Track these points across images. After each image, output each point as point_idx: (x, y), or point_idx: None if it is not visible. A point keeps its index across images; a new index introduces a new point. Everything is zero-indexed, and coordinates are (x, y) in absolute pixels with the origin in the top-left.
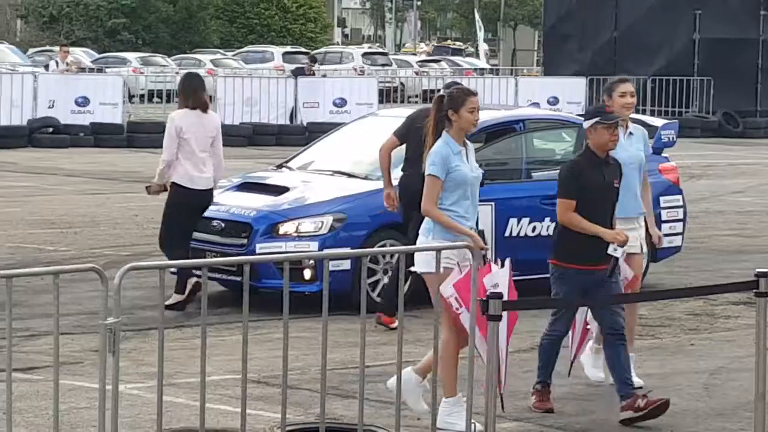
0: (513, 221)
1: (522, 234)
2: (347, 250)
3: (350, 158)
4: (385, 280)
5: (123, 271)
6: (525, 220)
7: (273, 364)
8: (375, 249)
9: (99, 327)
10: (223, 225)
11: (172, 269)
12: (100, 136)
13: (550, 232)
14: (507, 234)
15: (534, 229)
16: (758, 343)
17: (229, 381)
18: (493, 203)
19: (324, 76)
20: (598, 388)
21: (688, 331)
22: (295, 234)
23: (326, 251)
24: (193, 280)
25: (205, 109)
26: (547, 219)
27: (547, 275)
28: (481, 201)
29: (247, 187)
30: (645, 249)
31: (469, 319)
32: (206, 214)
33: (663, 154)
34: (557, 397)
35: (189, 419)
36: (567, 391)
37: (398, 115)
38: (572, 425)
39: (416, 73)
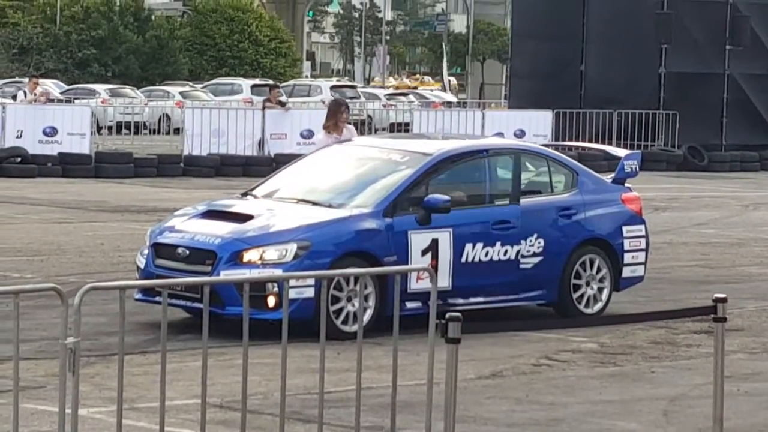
0: (468, 246)
1: (477, 260)
2: (309, 273)
3: (315, 186)
4: (350, 307)
5: (83, 291)
6: (479, 245)
7: (236, 389)
8: (337, 271)
9: (59, 347)
10: (187, 252)
11: (136, 295)
12: (68, 166)
13: (501, 256)
14: (464, 260)
15: (487, 254)
16: (716, 367)
17: (191, 406)
18: (451, 229)
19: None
20: (560, 413)
21: (650, 359)
22: (260, 261)
23: (287, 273)
24: None
25: None
26: (498, 243)
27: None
28: (441, 227)
29: (211, 214)
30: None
31: None
32: (170, 241)
33: (626, 185)
34: (516, 423)
35: None
36: (528, 417)
37: (362, 144)
38: None
39: (384, 106)
